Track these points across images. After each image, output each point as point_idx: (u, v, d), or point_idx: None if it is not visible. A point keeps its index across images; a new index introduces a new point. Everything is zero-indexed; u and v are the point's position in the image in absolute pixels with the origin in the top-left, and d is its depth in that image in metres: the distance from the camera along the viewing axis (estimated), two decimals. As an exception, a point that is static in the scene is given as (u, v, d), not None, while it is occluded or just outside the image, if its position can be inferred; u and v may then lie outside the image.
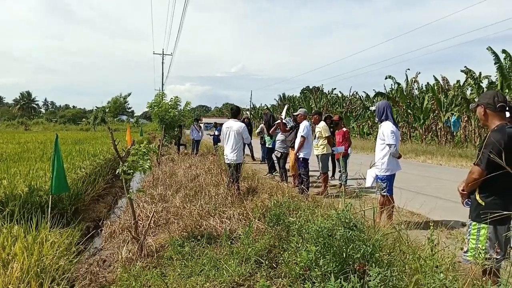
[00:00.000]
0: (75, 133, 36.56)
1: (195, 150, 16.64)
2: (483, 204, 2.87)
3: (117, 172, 4.50)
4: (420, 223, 4.42)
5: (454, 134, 23.86)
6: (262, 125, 12.50)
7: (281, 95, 54.98)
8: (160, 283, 3.49)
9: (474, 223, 2.93)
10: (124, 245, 4.81)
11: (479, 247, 2.78)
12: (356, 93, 36.92)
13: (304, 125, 7.84)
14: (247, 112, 59.31)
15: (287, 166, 10.09)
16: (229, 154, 7.00)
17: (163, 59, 43.82)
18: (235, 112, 7.34)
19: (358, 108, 35.41)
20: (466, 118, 22.66)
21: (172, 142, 17.52)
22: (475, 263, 2.58)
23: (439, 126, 25.29)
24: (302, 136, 7.70)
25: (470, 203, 3.02)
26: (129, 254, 4.55)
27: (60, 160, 5.61)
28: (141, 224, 5.42)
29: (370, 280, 2.38)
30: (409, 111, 26.55)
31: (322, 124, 8.29)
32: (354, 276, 2.51)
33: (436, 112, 24.49)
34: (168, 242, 4.73)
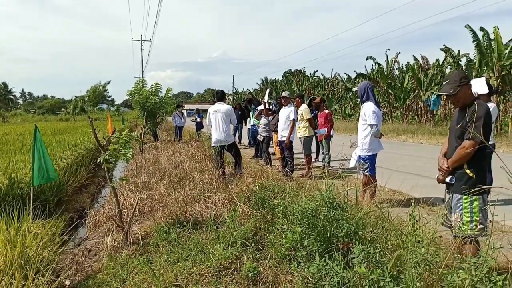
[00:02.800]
0: (54, 123, 35.81)
1: (178, 137, 16.53)
2: (474, 176, 2.93)
3: (98, 160, 4.44)
4: (402, 200, 4.50)
5: (434, 112, 24.22)
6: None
7: (264, 79, 54.85)
8: (147, 269, 3.49)
9: (465, 196, 2.94)
10: (109, 234, 4.78)
11: (475, 219, 2.88)
12: (338, 75, 37.08)
13: (291, 108, 7.84)
14: (230, 97, 58.96)
15: (272, 150, 10.15)
16: (219, 136, 7.09)
17: (142, 45, 43.20)
18: (220, 95, 7.47)
19: (340, 90, 35.56)
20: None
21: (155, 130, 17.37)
22: (473, 236, 2.73)
23: (419, 105, 25.64)
24: (292, 119, 7.70)
25: (454, 179, 3.06)
26: (114, 242, 4.53)
27: (43, 150, 5.52)
28: (125, 212, 5.39)
29: (354, 258, 2.42)
30: (389, 91, 26.79)
31: (304, 106, 8.30)
32: (338, 254, 2.56)
33: (416, 91, 24.77)
34: (153, 230, 4.72)
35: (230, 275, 3.23)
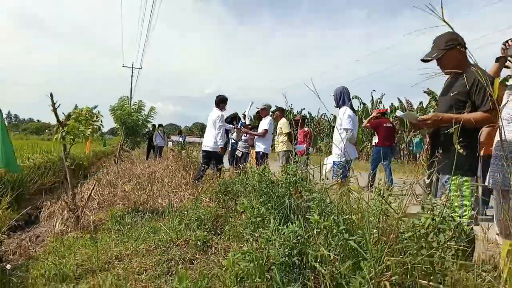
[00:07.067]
0: (35, 141, 34.92)
1: (158, 156, 16.18)
2: (464, 154, 2.35)
3: (54, 138, 4.18)
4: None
5: (417, 156, 24.35)
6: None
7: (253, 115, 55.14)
8: (90, 245, 3.19)
9: (454, 176, 2.49)
10: (59, 219, 4.43)
11: (466, 204, 2.45)
12: (325, 115, 37.38)
13: (268, 119, 7.70)
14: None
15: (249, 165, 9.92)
16: (206, 140, 6.85)
17: (132, 72, 43.07)
18: (217, 101, 7.08)
19: (326, 129, 35.79)
20: (428, 140, 23.13)
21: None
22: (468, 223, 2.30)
23: (402, 147, 25.82)
24: (265, 129, 7.52)
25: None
26: (63, 226, 4.19)
27: (6, 138, 5.14)
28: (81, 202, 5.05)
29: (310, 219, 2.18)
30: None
31: (283, 120, 8.17)
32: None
33: (400, 132, 25.02)
34: (108, 217, 4.40)
35: (177, 247, 2.95)
